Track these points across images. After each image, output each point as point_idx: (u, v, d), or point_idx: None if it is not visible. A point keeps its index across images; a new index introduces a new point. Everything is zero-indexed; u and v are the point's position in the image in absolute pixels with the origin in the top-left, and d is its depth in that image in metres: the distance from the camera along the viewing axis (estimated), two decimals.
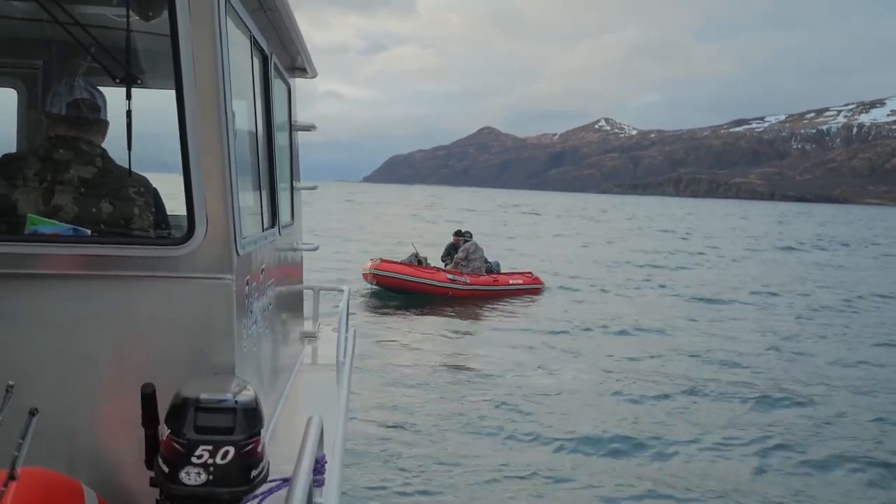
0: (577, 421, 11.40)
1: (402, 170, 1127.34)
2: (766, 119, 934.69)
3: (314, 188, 6.89)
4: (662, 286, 28.57)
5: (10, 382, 2.55)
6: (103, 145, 3.54)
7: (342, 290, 7.01)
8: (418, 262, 23.01)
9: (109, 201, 3.39)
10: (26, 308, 3.09)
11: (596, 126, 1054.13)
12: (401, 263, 22.73)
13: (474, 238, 24.28)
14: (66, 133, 3.44)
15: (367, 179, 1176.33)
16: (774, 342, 18.12)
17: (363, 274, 22.72)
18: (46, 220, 3.22)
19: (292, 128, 5.86)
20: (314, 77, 6.31)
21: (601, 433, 10.82)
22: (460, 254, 23.22)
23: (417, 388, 12.93)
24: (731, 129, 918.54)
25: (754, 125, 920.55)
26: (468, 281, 22.34)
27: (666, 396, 12.93)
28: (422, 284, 21.96)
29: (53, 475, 2.70)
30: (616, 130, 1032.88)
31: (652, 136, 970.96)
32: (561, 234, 58.70)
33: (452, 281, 22.10)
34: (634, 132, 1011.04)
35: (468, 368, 14.55)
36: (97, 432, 3.15)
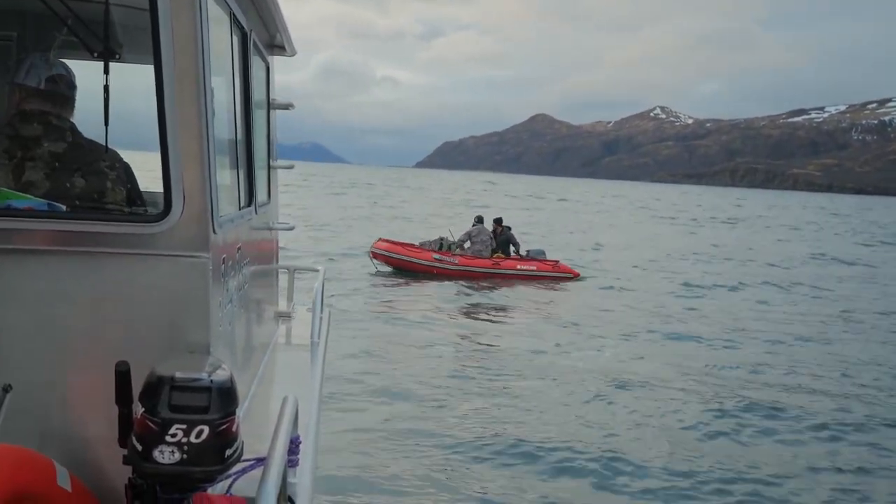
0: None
1: (454, 156, 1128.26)
2: (826, 109, 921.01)
3: (291, 167, 6.84)
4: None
5: None
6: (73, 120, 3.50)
7: (317, 270, 7.01)
8: (440, 245, 25.01)
9: (82, 175, 3.35)
10: (0, 283, 3.09)
11: (651, 114, 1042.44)
12: (396, 243, 25.04)
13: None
14: (38, 108, 3.40)
15: (419, 165, 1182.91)
16: None
17: (369, 251, 25.20)
18: (20, 193, 3.18)
19: (270, 106, 5.81)
20: (293, 55, 6.25)
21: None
22: (462, 236, 25.10)
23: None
24: (790, 119, 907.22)
25: (813, 115, 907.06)
26: (457, 262, 24.17)
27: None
28: (410, 262, 24.46)
29: (25, 452, 2.69)
30: (671, 119, 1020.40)
31: (708, 125, 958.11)
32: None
33: (439, 261, 24.05)
34: (690, 121, 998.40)
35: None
36: (70, 410, 3.13)
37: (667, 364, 14.66)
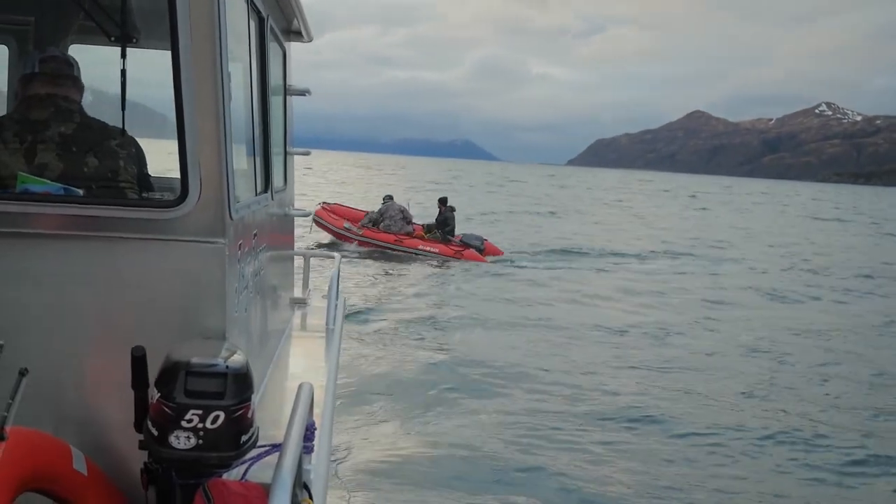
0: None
1: (607, 154, 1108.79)
2: None
3: (307, 153, 6.83)
4: None
5: (0, 342, 2.56)
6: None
7: (333, 257, 7.00)
8: (375, 221, 26.36)
9: (94, 155, 3.37)
10: (16, 267, 3.07)
11: (816, 111, 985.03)
12: (328, 208, 27.75)
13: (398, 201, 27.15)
14: (41, 91, 3.42)
15: (571, 163, 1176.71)
16: None
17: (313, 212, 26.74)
18: (37, 178, 3.19)
19: (287, 92, 5.80)
20: (310, 41, 6.21)
21: None
22: (375, 214, 26.60)
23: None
24: None
25: None
26: (361, 233, 25.95)
27: None
28: (326, 227, 26.73)
29: (42, 436, 2.71)
30: (838, 115, 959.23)
31: (878, 121, 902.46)
32: None
33: (347, 230, 26.23)
34: (859, 118, 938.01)
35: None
36: (86, 394, 3.15)
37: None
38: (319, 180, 69.19)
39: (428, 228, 26.25)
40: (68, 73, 3.52)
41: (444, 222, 26.03)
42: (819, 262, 31.83)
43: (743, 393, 12.35)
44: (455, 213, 26.69)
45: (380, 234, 25.79)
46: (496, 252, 26.31)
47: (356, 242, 25.80)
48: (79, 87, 3.56)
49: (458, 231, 26.40)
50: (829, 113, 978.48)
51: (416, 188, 65.82)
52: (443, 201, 26.79)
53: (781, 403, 11.93)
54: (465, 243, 25.38)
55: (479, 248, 25.36)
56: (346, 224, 26.43)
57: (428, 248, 25.18)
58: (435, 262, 24.31)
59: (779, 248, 36.64)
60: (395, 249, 25.24)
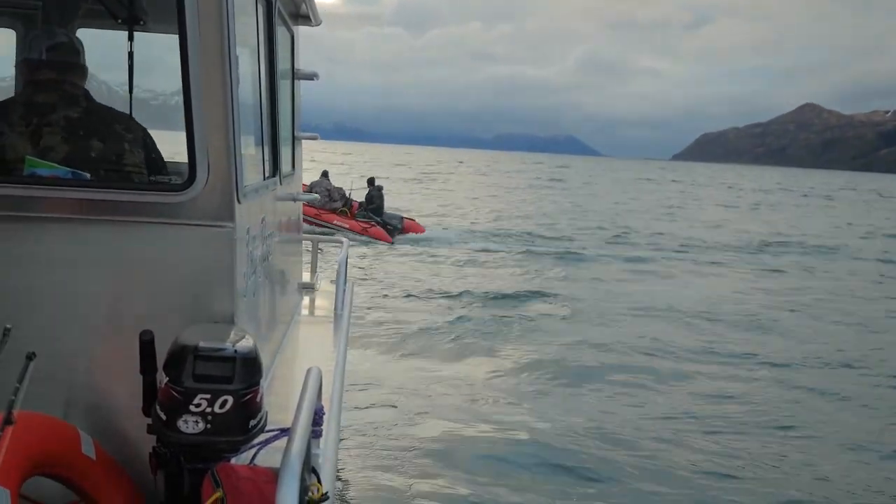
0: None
1: (713, 148, 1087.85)
2: None
3: (315, 138, 6.82)
4: None
5: (8, 326, 2.55)
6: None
7: (341, 243, 7.00)
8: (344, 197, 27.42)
9: (99, 139, 3.36)
10: (24, 250, 3.07)
11: None
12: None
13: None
14: (47, 76, 3.41)
15: (676, 158, 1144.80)
16: None
17: None
18: (45, 162, 3.18)
19: (294, 76, 5.77)
20: (318, 25, 6.19)
21: None
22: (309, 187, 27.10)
23: None
24: None
25: None
26: None
27: None
28: None
29: (50, 420, 2.71)
30: None
31: None
32: None
33: None
34: None
35: None
36: (94, 378, 3.14)
37: None
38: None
39: (360, 205, 27.87)
40: (75, 62, 3.51)
41: (369, 200, 27.68)
42: None
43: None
44: (383, 191, 28.19)
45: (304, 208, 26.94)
46: (417, 229, 28.15)
47: None
48: (84, 72, 3.55)
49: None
50: None
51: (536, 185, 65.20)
52: (370, 181, 28.67)
53: None
54: (384, 222, 27.03)
55: (396, 227, 27.12)
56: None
57: (339, 224, 26.38)
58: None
59: None
60: (311, 222, 25.86)
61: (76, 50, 3.54)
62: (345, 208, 27.34)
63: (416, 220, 29.46)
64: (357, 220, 26.69)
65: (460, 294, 17.53)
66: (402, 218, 28.16)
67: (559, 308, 16.86)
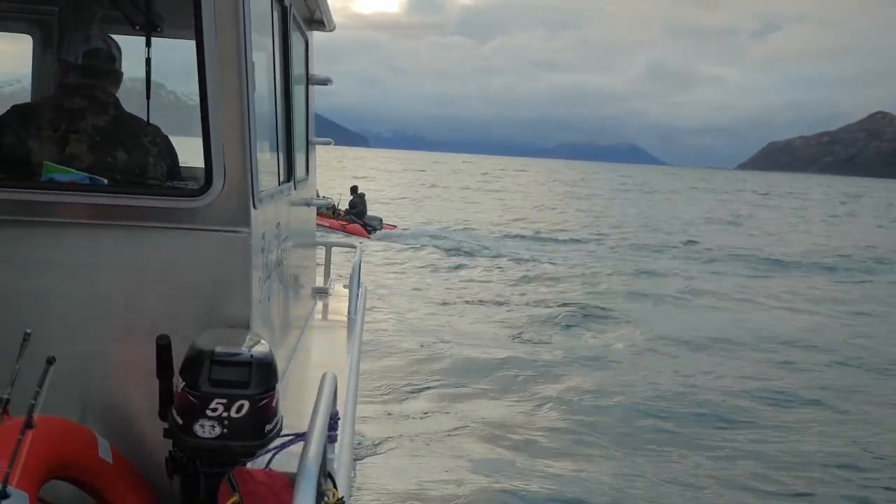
0: None
1: (780, 157, 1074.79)
2: None
3: (329, 143, 6.84)
4: None
5: (28, 331, 2.57)
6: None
7: (354, 247, 7.02)
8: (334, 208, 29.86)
9: (125, 150, 3.37)
10: (42, 255, 3.09)
11: None
12: None
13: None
14: (80, 81, 3.41)
15: (741, 167, 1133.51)
16: None
17: None
18: (62, 167, 3.20)
19: (309, 81, 5.79)
20: (332, 30, 6.21)
21: None
22: None
23: None
24: None
25: None
26: None
27: None
28: None
29: (69, 424, 2.72)
30: None
31: None
32: None
33: None
34: None
35: None
36: (111, 382, 3.16)
37: None
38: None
39: (346, 211, 31.09)
40: (111, 69, 3.50)
41: (353, 205, 31.37)
42: None
43: None
44: (365, 198, 31.94)
45: None
46: (391, 228, 32.20)
47: None
48: (118, 78, 3.54)
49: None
50: None
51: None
52: (353, 189, 32.21)
53: None
54: (364, 223, 30.42)
55: (375, 227, 30.72)
56: None
57: (320, 222, 27.67)
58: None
59: None
60: None
61: (112, 56, 3.52)
62: (329, 211, 29.90)
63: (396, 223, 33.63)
64: (336, 219, 29.37)
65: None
66: (381, 220, 32.11)
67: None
